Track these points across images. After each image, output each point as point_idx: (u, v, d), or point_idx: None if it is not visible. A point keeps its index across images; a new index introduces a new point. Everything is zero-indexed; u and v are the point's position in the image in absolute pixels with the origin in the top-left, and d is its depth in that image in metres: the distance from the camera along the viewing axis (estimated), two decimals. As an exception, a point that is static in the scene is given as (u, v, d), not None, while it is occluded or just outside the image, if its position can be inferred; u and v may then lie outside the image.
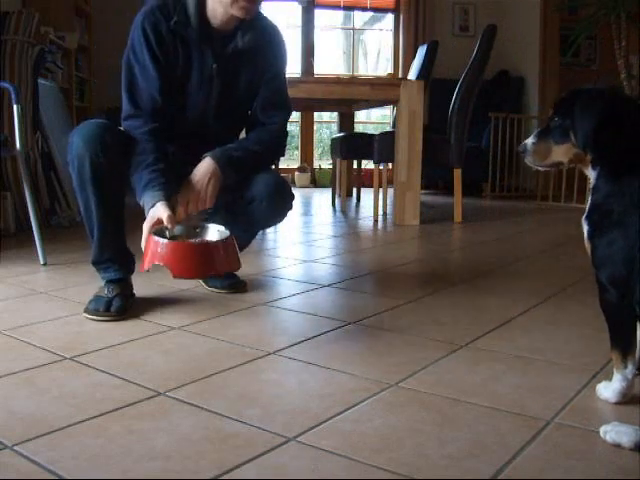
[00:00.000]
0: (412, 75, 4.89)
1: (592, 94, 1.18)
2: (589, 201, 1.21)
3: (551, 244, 3.31)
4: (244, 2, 1.74)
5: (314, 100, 4.14)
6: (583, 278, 2.35)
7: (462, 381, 1.36)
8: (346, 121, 5.44)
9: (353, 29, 7.16)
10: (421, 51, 4.98)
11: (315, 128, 7.25)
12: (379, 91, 3.79)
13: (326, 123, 7.84)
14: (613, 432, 1.06)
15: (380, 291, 2.29)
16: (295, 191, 2.01)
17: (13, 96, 2.66)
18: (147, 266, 1.45)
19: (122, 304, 1.83)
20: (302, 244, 3.30)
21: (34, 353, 1.51)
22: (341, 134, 5.00)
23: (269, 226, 2.08)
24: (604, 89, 1.19)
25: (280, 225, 3.60)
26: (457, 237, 3.66)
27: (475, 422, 1.16)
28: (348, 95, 3.84)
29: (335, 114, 6.14)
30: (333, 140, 5.14)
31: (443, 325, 1.78)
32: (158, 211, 1.66)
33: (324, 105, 5.05)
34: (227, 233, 1.56)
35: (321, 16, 6.88)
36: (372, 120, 7.83)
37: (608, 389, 1.24)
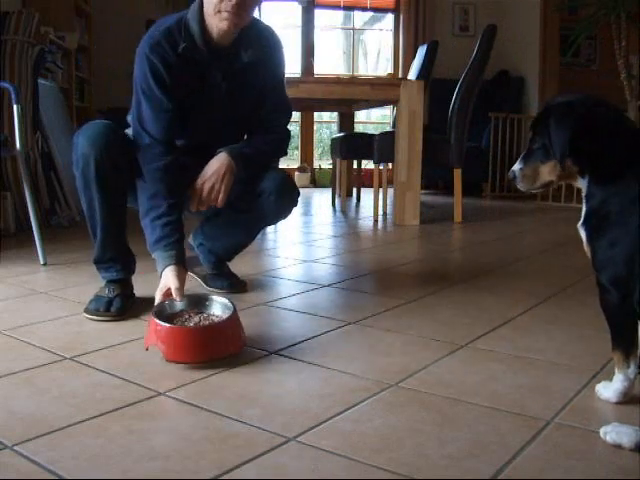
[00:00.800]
0: (412, 75, 4.89)
1: (563, 107, 1.18)
2: (584, 208, 1.21)
3: (551, 244, 3.31)
4: (226, 13, 1.71)
5: (314, 100, 4.14)
6: (583, 278, 2.35)
7: (462, 381, 1.36)
8: (346, 121, 5.44)
9: (353, 29, 7.16)
10: (421, 51, 4.98)
11: (315, 128, 7.25)
12: (379, 91, 3.78)
13: (326, 123, 7.84)
14: (613, 433, 1.06)
15: (380, 291, 2.29)
16: (297, 185, 2.04)
17: (13, 96, 2.66)
18: (147, 345, 1.46)
19: (122, 304, 1.83)
20: (302, 244, 3.30)
21: (34, 353, 1.51)
22: (341, 134, 5.00)
23: (275, 221, 2.09)
24: (575, 99, 1.19)
25: (280, 225, 3.61)
26: (457, 237, 3.66)
27: (475, 422, 1.16)
28: (348, 95, 3.84)
29: (335, 114, 6.13)
30: (333, 140, 5.14)
31: (443, 325, 1.78)
32: (168, 280, 1.67)
33: (324, 105, 5.05)
34: (232, 308, 1.53)
35: (321, 16, 6.88)
36: (372, 120, 7.83)
37: (609, 389, 1.24)
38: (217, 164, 1.83)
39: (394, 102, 3.95)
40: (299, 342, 1.61)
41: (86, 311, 1.82)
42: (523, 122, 5.87)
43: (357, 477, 0.97)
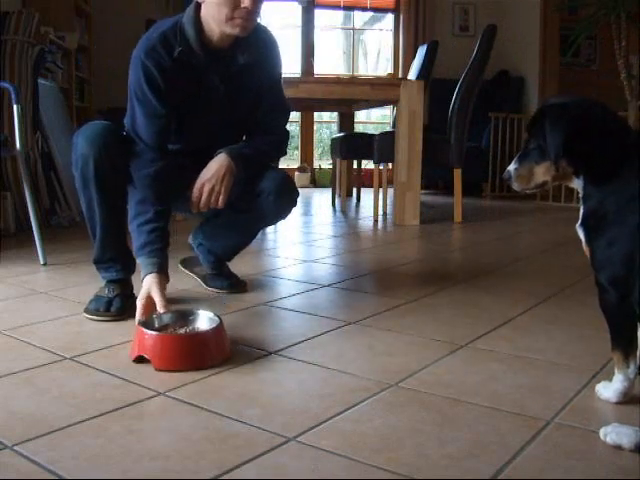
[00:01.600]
0: (412, 75, 4.89)
1: (557, 109, 1.19)
2: (582, 209, 1.21)
3: (551, 244, 3.31)
4: (240, 20, 1.70)
5: (314, 100, 4.14)
6: (583, 278, 2.35)
7: (462, 381, 1.36)
8: (346, 121, 5.44)
9: (353, 29, 7.16)
10: (421, 51, 4.98)
11: (315, 128, 7.25)
12: (379, 91, 3.79)
13: (326, 123, 7.84)
14: (613, 434, 1.06)
15: (380, 291, 2.29)
16: (296, 186, 2.04)
17: (13, 96, 2.66)
18: (134, 356, 1.45)
19: (122, 304, 1.83)
20: (302, 244, 3.30)
21: (34, 353, 1.51)
22: (341, 134, 5.00)
23: (274, 222, 2.09)
24: (570, 101, 1.20)
25: (280, 225, 3.61)
26: (457, 237, 3.66)
27: (475, 422, 1.16)
28: (348, 95, 3.84)
29: (335, 114, 6.13)
30: (333, 140, 5.14)
31: (443, 325, 1.78)
32: (149, 289, 1.69)
33: (324, 105, 5.05)
34: (217, 320, 1.53)
35: (321, 16, 6.88)
36: (372, 120, 7.83)
37: (609, 389, 1.24)
38: (216, 165, 1.82)
39: (394, 102, 3.95)
40: (299, 342, 1.61)
41: (86, 311, 1.82)
42: (523, 122, 5.87)
43: (357, 477, 0.97)
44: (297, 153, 7.18)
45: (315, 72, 6.46)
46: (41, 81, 3.77)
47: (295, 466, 0.99)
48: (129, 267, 1.94)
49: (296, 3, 6.35)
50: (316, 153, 7.36)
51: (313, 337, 1.66)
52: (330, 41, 7.27)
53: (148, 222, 1.76)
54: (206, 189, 1.81)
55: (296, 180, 6.80)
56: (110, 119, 1.91)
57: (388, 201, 4.53)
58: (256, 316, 1.88)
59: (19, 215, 3.37)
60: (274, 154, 2.09)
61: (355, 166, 5.43)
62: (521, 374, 1.40)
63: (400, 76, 6.23)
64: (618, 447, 1.04)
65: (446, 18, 6.64)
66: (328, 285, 2.28)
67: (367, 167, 6.22)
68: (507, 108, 6.01)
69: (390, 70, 6.91)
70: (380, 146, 3.98)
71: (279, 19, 6.62)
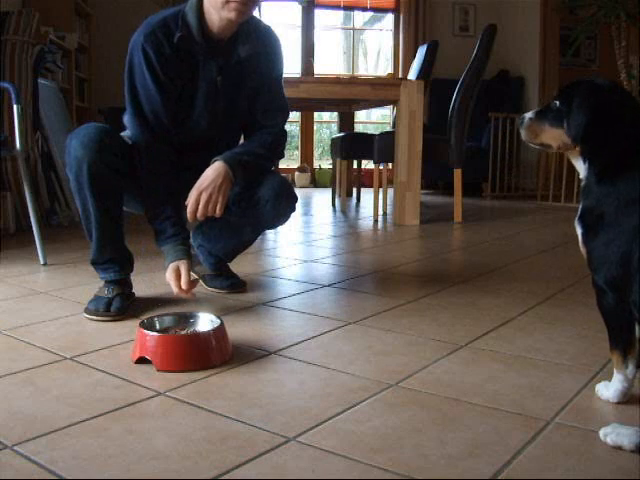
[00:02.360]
0: (412, 75, 4.89)
1: (592, 88, 1.18)
2: (581, 203, 1.21)
3: (551, 244, 3.31)
4: (235, 4, 1.70)
5: (314, 100, 4.14)
6: (583, 278, 2.35)
7: (462, 381, 1.36)
8: (346, 121, 5.44)
9: (353, 29, 7.16)
10: (421, 51, 4.99)
11: (315, 128, 7.25)
12: (379, 91, 3.79)
13: (326, 123, 7.84)
14: (613, 434, 1.06)
15: (380, 291, 2.29)
16: (295, 191, 2.02)
17: (13, 96, 2.66)
18: (135, 358, 1.45)
19: (122, 304, 1.83)
20: (302, 244, 3.30)
21: (34, 353, 1.51)
22: (341, 134, 5.00)
23: (273, 227, 2.07)
24: (606, 85, 1.19)
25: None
26: (457, 237, 3.66)
27: (475, 422, 1.16)
28: (348, 95, 3.84)
29: (335, 114, 6.14)
30: (333, 140, 5.14)
31: (443, 325, 1.78)
32: (180, 266, 1.79)
33: (324, 105, 5.05)
34: (219, 322, 1.54)
35: (321, 16, 6.89)
36: (372, 120, 7.83)
37: (609, 389, 1.24)
38: (214, 174, 1.79)
39: (394, 102, 3.95)
40: (299, 342, 1.61)
41: (86, 311, 1.82)
42: (523, 122, 5.86)
43: (357, 477, 0.97)
44: (297, 153, 7.18)
45: (315, 72, 6.44)
46: (41, 81, 3.77)
47: (295, 466, 0.99)
48: (127, 266, 1.93)
49: (296, 3, 6.36)
50: (316, 153, 7.36)
51: (313, 337, 1.66)
52: (330, 41, 7.27)
53: (168, 218, 1.82)
54: (203, 198, 1.77)
55: (296, 180, 6.80)
56: (110, 119, 1.91)
57: (388, 201, 4.53)
58: (256, 316, 1.88)
59: (19, 215, 3.37)
60: (271, 157, 2.03)
61: (355, 166, 5.43)
62: (521, 374, 1.40)
63: (400, 76, 6.23)
64: (618, 448, 1.04)
65: (446, 18, 6.64)
66: (328, 285, 2.28)
67: (367, 167, 6.22)
68: (507, 108, 6.01)
69: (390, 70, 6.92)
70: (380, 146, 3.98)
71: (279, 19, 6.61)
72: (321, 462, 1.01)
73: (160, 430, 1.11)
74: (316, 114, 7.07)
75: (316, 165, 7.11)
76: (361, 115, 7.46)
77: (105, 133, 1.77)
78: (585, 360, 1.49)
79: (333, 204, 5.02)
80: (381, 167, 4.13)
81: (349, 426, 1.14)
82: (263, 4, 1.70)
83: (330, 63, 7.14)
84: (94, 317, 1.79)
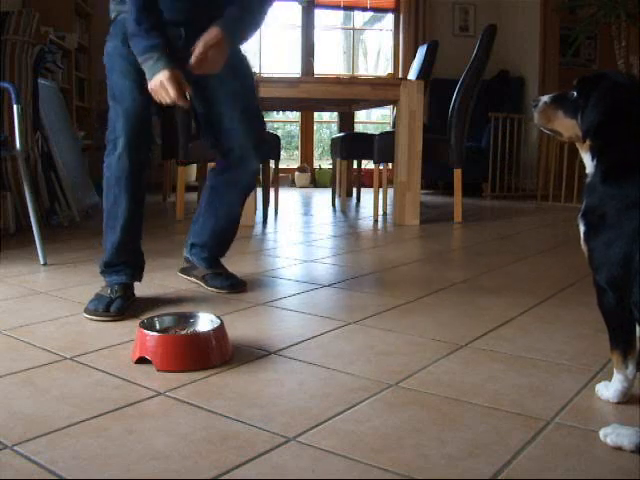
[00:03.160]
0: (412, 75, 4.89)
1: (612, 86, 1.16)
2: (584, 201, 1.21)
3: (551, 244, 3.31)
4: None
5: (314, 100, 4.14)
6: (583, 278, 2.35)
7: (462, 381, 1.36)
8: (346, 121, 5.44)
9: (353, 29, 7.16)
10: (421, 51, 4.98)
11: (315, 128, 7.25)
12: (379, 91, 3.79)
13: (326, 123, 7.84)
14: (613, 435, 1.05)
15: (380, 291, 2.29)
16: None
17: (13, 96, 2.66)
18: (135, 358, 1.45)
19: (122, 305, 1.83)
20: (302, 244, 3.30)
21: (34, 353, 1.51)
22: (341, 134, 5.00)
23: (248, 180, 2.11)
24: (627, 84, 1.17)
25: (280, 225, 3.61)
26: (457, 237, 3.66)
27: (475, 422, 1.16)
28: (348, 95, 3.84)
29: (335, 114, 6.14)
30: (333, 140, 5.14)
31: (443, 325, 1.78)
32: (177, 72, 1.75)
33: (324, 105, 5.05)
34: (219, 322, 1.54)
35: (321, 16, 6.88)
36: (372, 120, 7.83)
37: (609, 389, 1.24)
38: (213, 33, 1.81)
39: (394, 102, 3.95)
40: (299, 342, 1.61)
41: (86, 311, 1.82)
42: (523, 122, 5.87)
43: (357, 477, 0.97)
44: (297, 153, 7.18)
45: (315, 72, 6.45)
46: (41, 81, 3.77)
47: (295, 466, 0.99)
48: (138, 274, 1.97)
49: (296, 3, 6.35)
50: (316, 153, 7.36)
51: (313, 337, 1.66)
52: (330, 41, 7.27)
53: (148, 30, 1.76)
54: (206, 54, 1.80)
55: (296, 180, 6.80)
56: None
57: (388, 201, 4.53)
58: (256, 316, 1.88)
59: (19, 215, 3.37)
60: (259, 21, 2.00)
61: (355, 166, 5.43)
62: (521, 374, 1.40)
63: (400, 76, 6.23)
64: (618, 448, 1.04)
65: (446, 18, 6.64)
66: (328, 285, 2.28)
67: (367, 167, 6.22)
68: (507, 108, 6.00)
69: (390, 70, 6.91)
70: (380, 146, 3.98)
71: (279, 19, 6.62)
72: (321, 462, 1.01)
73: (160, 430, 1.11)
74: (316, 114, 7.06)
75: (316, 165, 7.10)
76: (361, 115, 7.46)
77: (148, 132, 1.90)
78: (585, 360, 1.49)
79: (333, 204, 5.02)
80: (381, 167, 4.12)
81: (349, 426, 1.14)
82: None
83: (330, 63, 7.14)
84: (94, 317, 1.79)
